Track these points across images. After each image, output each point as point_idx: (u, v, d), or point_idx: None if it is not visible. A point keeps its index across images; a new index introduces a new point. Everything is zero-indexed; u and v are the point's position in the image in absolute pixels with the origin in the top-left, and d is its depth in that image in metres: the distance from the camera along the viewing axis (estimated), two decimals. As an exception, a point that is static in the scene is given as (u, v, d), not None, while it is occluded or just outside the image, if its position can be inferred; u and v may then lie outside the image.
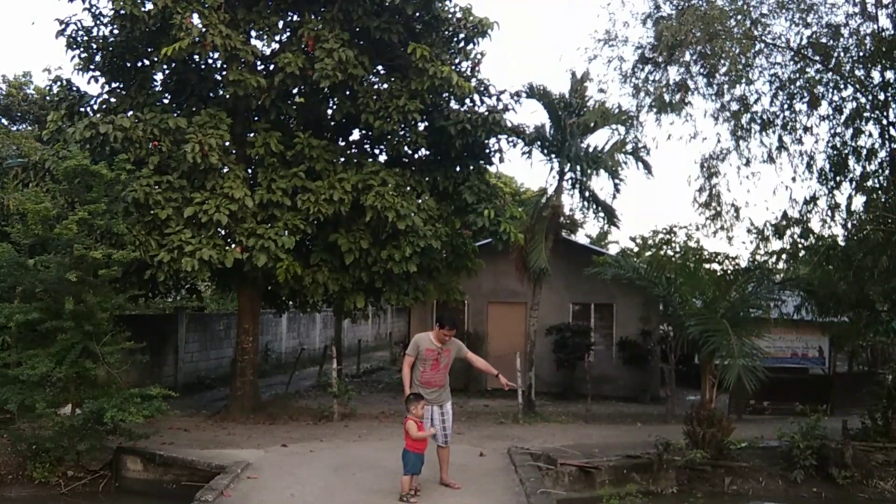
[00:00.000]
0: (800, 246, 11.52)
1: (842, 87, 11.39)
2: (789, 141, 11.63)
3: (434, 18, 12.62)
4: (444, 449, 8.25)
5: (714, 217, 11.56)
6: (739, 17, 10.44)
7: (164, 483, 9.72)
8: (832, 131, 11.58)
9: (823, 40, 11.08)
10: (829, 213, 11.46)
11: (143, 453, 9.88)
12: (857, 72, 11.21)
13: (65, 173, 10.26)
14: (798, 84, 11.47)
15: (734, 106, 11.43)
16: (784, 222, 11.43)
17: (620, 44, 11.26)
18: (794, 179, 11.79)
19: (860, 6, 10.77)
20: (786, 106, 11.64)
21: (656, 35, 10.92)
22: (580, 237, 29.36)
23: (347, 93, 12.42)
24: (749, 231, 11.61)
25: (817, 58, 11.23)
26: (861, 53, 11.05)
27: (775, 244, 11.68)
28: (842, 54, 11.11)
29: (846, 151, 11.47)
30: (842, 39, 11.05)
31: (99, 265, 9.77)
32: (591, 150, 15.63)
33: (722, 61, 10.60)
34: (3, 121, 21.42)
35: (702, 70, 11.05)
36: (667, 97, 11.20)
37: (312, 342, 24.32)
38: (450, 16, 12.95)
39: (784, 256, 11.67)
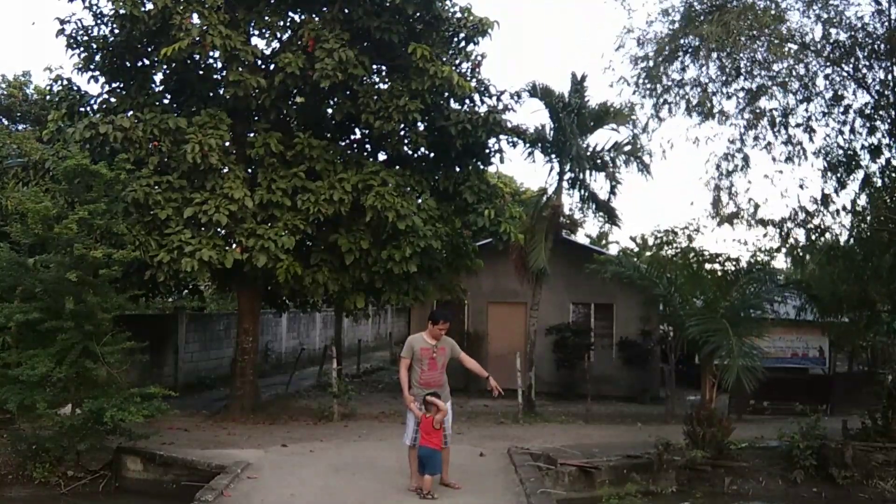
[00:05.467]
0: (806, 245, 11.55)
1: (851, 84, 11.41)
2: (806, 139, 11.69)
3: (434, 18, 12.62)
4: (444, 449, 8.24)
5: (731, 217, 11.61)
6: (759, 13, 10.45)
7: (164, 483, 9.71)
8: (843, 128, 11.61)
9: (838, 36, 11.11)
10: (840, 211, 11.49)
11: (143, 453, 9.87)
12: (870, 70, 11.23)
13: (65, 173, 10.26)
14: (813, 80, 11.52)
15: (749, 102, 11.51)
16: (793, 220, 11.49)
17: (643, 42, 11.32)
18: (803, 183, 11.84)
19: (874, 3, 10.81)
20: (798, 103, 11.68)
21: (677, 30, 10.99)
22: (580, 237, 29.40)
23: (348, 93, 12.41)
24: (759, 224, 11.62)
25: (831, 53, 11.24)
26: (872, 50, 11.06)
27: (776, 242, 11.73)
28: (857, 51, 11.12)
29: (856, 149, 11.50)
30: (856, 37, 11.05)
31: (99, 265, 9.77)
32: (591, 149, 15.65)
33: (742, 56, 10.68)
34: (4, 121, 21.40)
35: (721, 66, 11.10)
36: (688, 94, 11.28)
37: (312, 342, 24.31)
38: (450, 15, 12.95)
39: (785, 251, 11.72)
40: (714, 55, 10.90)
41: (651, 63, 11.28)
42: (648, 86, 11.41)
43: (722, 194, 11.65)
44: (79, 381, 9.66)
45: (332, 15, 12.09)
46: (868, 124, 11.38)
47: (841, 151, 11.61)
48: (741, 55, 10.73)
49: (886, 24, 10.82)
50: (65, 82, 13.00)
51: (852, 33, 11.05)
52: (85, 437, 9.49)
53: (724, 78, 11.35)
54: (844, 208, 11.46)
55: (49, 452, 9.45)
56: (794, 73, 11.47)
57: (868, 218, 11.17)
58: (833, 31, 11.14)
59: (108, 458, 9.79)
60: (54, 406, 9.46)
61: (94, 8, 12.38)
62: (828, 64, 11.34)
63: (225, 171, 11.92)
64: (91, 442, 9.53)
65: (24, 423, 9.91)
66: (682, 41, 11.00)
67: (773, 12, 10.56)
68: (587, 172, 15.80)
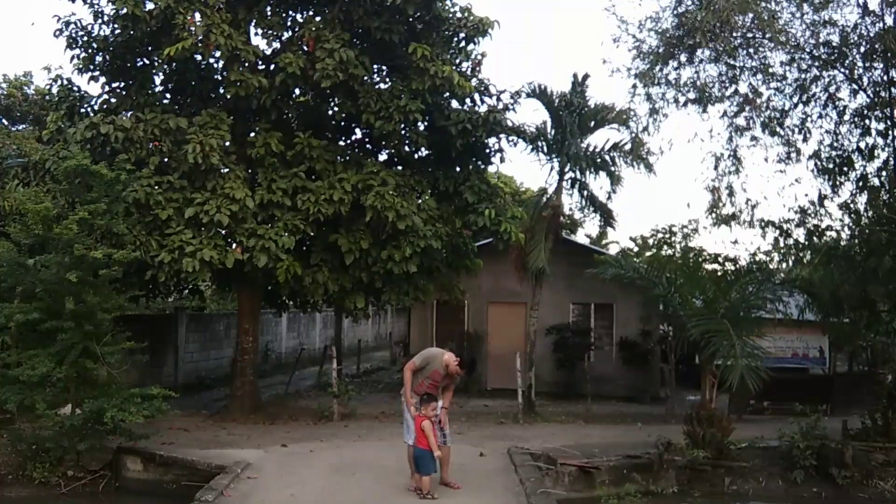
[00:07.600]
0: (805, 245, 11.56)
1: (846, 85, 11.46)
2: (799, 140, 11.74)
3: (435, 18, 12.62)
4: (444, 448, 8.25)
5: (730, 218, 11.64)
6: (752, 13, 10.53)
7: (164, 483, 9.72)
8: (838, 129, 11.65)
9: (833, 38, 11.17)
10: (838, 210, 11.54)
11: (143, 453, 9.87)
12: (866, 71, 11.27)
13: (65, 173, 10.27)
14: (808, 82, 11.55)
15: (743, 103, 11.57)
16: (790, 221, 11.52)
17: (640, 39, 11.45)
18: (798, 181, 11.87)
19: (863, 7, 10.87)
20: (794, 104, 11.72)
21: (677, 26, 11.08)
22: (580, 237, 29.39)
23: (348, 93, 12.41)
24: (759, 224, 11.66)
25: (824, 55, 11.28)
26: (866, 51, 11.09)
27: (778, 242, 11.76)
28: (852, 52, 11.18)
29: (851, 150, 11.52)
30: (849, 38, 11.10)
31: (99, 265, 9.77)
32: (591, 149, 15.65)
33: (737, 53, 10.76)
34: (4, 121, 21.39)
35: (716, 55, 11.18)
36: (683, 96, 11.36)
37: (312, 342, 24.31)
38: (450, 15, 12.96)
39: (783, 253, 11.73)
40: (710, 44, 10.93)
41: (650, 59, 11.34)
42: (647, 82, 11.44)
43: (720, 195, 11.69)
44: (79, 381, 9.67)
45: (332, 15, 12.10)
46: (863, 125, 11.41)
47: (836, 153, 11.64)
48: (735, 37, 10.78)
49: (879, 25, 10.86)
50: (65, 82, 13.00)
51: (844, 33, 11.09)
52: (85, 437, 9.49)
53: (719, 72, 11.43)
54: (841, 207, 11.48)
55: (49, 452, 9.45)
56: (788, 74, 11.55)
57: (868, 217, 11.18)
58: (825, 31, 11.20)
59: (108, 458, 9.80)
60: (54, 406, 9.48)
61: (95, 7, 12.40)
62: (822, 65, 11.37)
63: (225, 171, 11.93)
64: (91, 442, 9.53)
65: (24, 423, 9.93)
66: (682, 35, 11.04)
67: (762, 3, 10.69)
68: (587, 172, 15.80)
